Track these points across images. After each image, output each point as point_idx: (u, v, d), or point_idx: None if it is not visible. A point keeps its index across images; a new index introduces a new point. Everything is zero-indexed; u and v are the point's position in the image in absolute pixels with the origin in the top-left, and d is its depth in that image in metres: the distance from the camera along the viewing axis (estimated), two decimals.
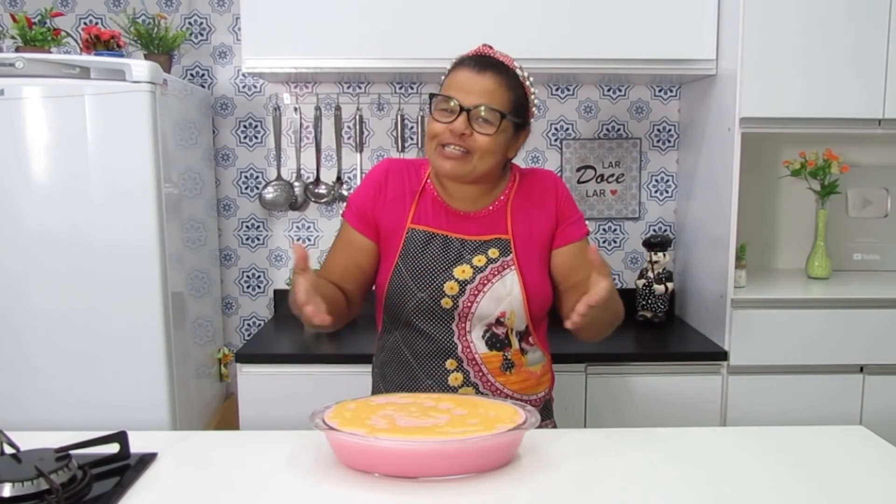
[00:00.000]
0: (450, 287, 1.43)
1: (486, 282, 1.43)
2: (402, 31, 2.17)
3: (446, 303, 1.43)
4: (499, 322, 1.45)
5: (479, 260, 1.45)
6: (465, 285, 1.43)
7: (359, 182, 2.57)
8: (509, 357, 1.46)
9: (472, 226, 1.48)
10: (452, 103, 1.38)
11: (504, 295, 1.44)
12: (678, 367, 2.15)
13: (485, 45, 1.47)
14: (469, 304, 1.43)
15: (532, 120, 1.49)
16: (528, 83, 1.46)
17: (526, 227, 1.49)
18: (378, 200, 1.50)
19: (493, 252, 1.45)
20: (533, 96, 1.47)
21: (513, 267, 1.45)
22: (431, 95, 1.43)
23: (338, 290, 1.46)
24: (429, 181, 1.52)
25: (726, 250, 2.14)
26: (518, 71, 1.44)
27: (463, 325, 1.44)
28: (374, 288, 1.54)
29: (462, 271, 1.44)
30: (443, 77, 1.47)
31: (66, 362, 2.01)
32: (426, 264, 1.44)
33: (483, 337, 1.45)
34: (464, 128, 1.37)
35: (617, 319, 1.45)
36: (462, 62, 1.43)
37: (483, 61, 1.41)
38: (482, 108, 1.37)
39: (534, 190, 1.53)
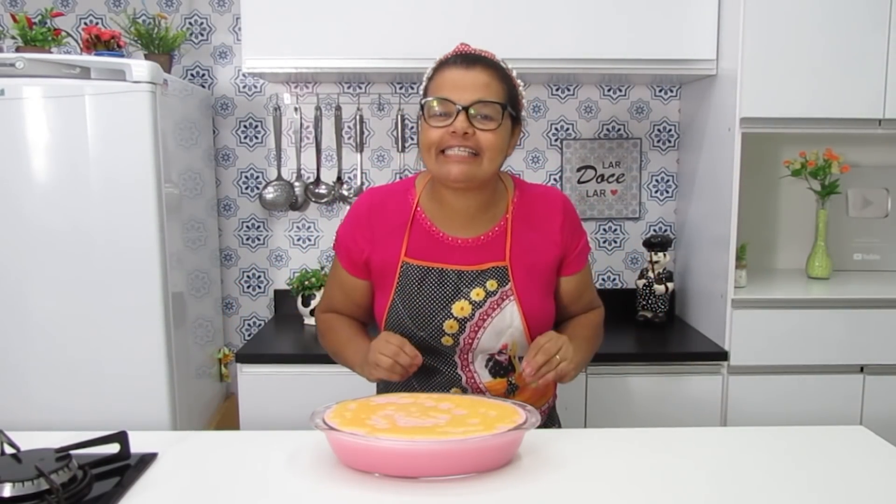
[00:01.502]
0: (449, 326, 1.38)
1: (485, 317, 1.38)
2: (402, 31, 2.17)
3: (447, 341, 1.39)
4: (501, 352, 1.42)
5: (477, 294, 1.38)
6: (465, 323, 1.38)
7: (358, 182, 2.58)
8: (513, 381, 1.44)
9: (469, 255, 1.41)
10: (448, 104, 1.30)
11: (505, 328, 1.39)
12: (678, 367, 2.15)
13: (462, 43, 1.40)
14: (470, 342, 1.40)
15: (523, 114, 1.43)
16: (514, 74, 1.39)
17: (526, 253, 1.42)
18: (365, 241, 1.43)
19: (490, 284, 1.39)
20: (521, 88, 1.40)
21: (512, 297, 1.39)
22: (422, 103, 1.35)
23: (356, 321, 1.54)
24: (419, 208, 1.43)
25: (726, 250, 2.14)
26: (503, 64, 1.38)
27: (465, 356, 1.41)
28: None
29: (461, 308, 1.38)
30: (424, 83, 1.40)
31: (67, 362, 2.01)
32: (423, 303, 1.39)
33: (486, 366, 1.42)
34: (466, 126, 1.29)
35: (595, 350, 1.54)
36: (446, 62, 1.36)
37: (468, 58, 1.35)
38: (481, 102, 1.30)
39: (537, 211, 1.45)
